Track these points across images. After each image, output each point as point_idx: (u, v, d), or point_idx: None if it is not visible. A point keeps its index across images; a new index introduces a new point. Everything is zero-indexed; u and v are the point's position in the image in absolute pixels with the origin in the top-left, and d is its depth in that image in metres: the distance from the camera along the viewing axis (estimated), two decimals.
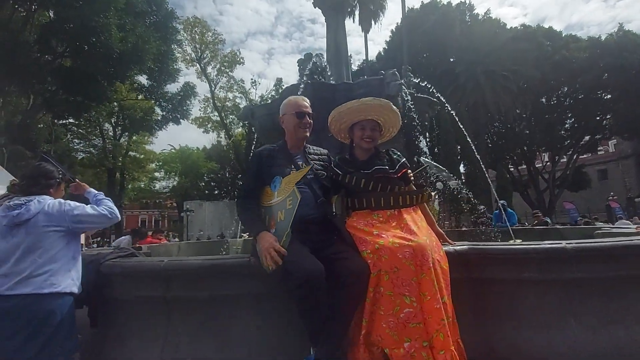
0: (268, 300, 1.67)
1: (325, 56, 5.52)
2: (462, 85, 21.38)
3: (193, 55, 30.07)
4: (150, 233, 6.75)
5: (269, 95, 35.15)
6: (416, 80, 4.90)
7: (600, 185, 38.47)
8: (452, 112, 4.83)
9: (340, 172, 1.86)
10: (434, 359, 1.37)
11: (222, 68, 33.10)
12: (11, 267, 1.59)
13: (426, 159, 4.52)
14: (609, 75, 21.67)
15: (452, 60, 23.36)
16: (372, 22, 23.10)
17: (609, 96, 23.47)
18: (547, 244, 1.66)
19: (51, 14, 11.77)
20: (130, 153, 31.41)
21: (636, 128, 24.09)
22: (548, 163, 28.18)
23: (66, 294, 1.65)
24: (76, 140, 25.82)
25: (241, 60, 33.80)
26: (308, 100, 1.94)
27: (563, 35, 24.11)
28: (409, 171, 1.93)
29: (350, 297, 1.50)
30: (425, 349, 1.38)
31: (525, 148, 26.68)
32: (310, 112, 1.91)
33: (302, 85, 3.83)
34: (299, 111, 1.86)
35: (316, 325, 1.51)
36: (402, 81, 3.91)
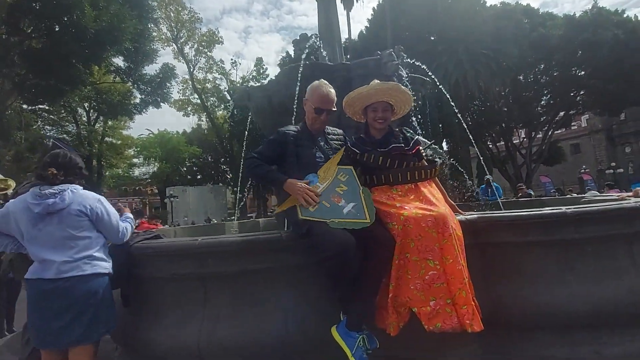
0: (299, 272, 1.80)
1: (318, 36, 5.50)
2: (444, 64, 21.56)
3: (169, 34, 28.85)
4: (145, 218, 6.72)
5: (250, 76, 34.32)
6: (409, 60, 4.99)
7: (573, 158, 40.30)
8: (444, 91, 4.96)
9: (358, 151, 1.97)
10: (457, 313, 1.53)
11: (200, 48, 31.95)
12: (51, 253, 1.64)
13: (421, 137, 4.68)
14: (583, 52, 22.29)
15: (433, 38, 23.42)
16: (355, 0, 22.72)
17: (582, 73, 24.22)
18: (549, 210, 1.85)
19: None
20: (107, 139, 30.33)
21: (607, 103, 25.11)
22: (525, 139, 29.13)
23: (104, 274, 1.74)
24: (48, 127, 24.67)
25: (220, 39, 32.68)
26: (334, 92, 1.97)
27: (540, 12, 24.49)
28: (421, 148, 2.06)
29: (378, 266, 1.64)
30: (449, 305, 1.55)
31: (503, 125, 27.42)
32: (332, 108, 1.97)
33: (301, 67, 3.85)
34: (318, 107, 1.93)
35: (347, 292, 1.65)
36: (399, 61, 3.99)
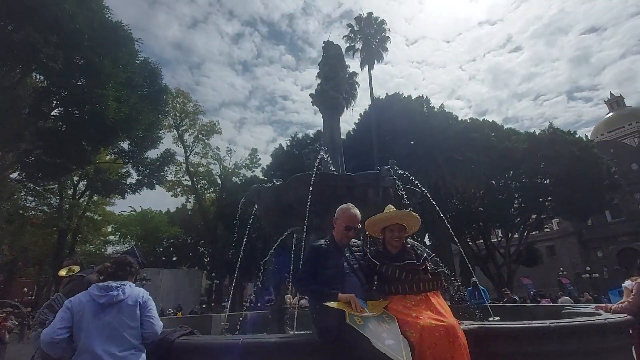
0: None
1: (321, 145, 6.35)
2: (424, 167, 23.61)
3: (172, 122, 30.97)
4: None
5: (244, 164, 36.07)
6: (401, 172, 5.77)
7: (550, 260, 41.38)
8: (429, 196, 5.62)
9: (378, 263, 2.39)
10: None
11: (200, 136, 34.03)
12: (103, 345, 1.87)
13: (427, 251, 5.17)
14: (545, 164, 25.07)
15: (413, 143, 26.03)
16: (345, 108, 25.73)
17: (547, 181, 26.75)
18: (536, 323, 2.23)
19: (43, 80, 12.15)
20: (88, 214, 29.76)
21: (573, 210, 27.17)
22: (502, 238, 30.32)
23: None
24: (30, 198, 24.32)
25: (219, 130, 35.10)
26: (359, 214, 2.49)
27: (505, 128, 28.03)
28: (428, 264, 2.50)
29: None
30: None
31: (481, 224, 28.79)
32: (358, 226, 2.48)
33: (313, 176, 4.47)
34: (348, 225, 2.44)
35: None
36: (395, 177, 4.70)
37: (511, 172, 27.47)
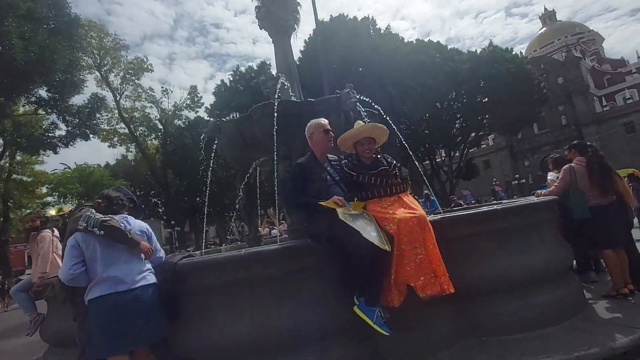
0: (323, 269, 2.33)
1: (275, 72, 6.15)
2: (374, 94, 23.79)
3: (90, 61, 27.18)
4: None
5: (184, 104, 33.60)
6: (358, 96, 5.87)
7: (485, 172, 46.10)
8: (389, 120, 5.86)
9: (354, 173, 2.60)
10: (439, 282, 2.19)
11: (128, 76, 30.51)
12: (122, 269, 1.97)
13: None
14: (484, 83, 26.45)
15: (361, 69, 25.77)
16: (295, 31, 24.29)
17: (485, 100, 28.53)
18: (486, 208, 2.66)
19: None
20: (15, 176, 26.87)
21: (506, 125, 29.74)
22: (446, 158, 32.89)
23: (156, 284, 2.10)
24: None
25: (150, 67, 31.61)
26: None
27: (449, 48, 28.52)
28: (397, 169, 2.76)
29: (383, 264, 2.24)
30: (433, 278, 2.20)
31: (427, 146, 30.74)
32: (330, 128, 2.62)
33: (275, 104, 4.40)
34: (326, 129, 2.57)
35: (365, 280, 2.21)
36: (355, 99, 4.79)
37: (454, 93, 28.74)
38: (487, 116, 29.53)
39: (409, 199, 2.56)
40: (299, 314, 2.14)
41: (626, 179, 4.55)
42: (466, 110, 28.69)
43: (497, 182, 32.88)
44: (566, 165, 3.36)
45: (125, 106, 30.60)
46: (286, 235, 5.66)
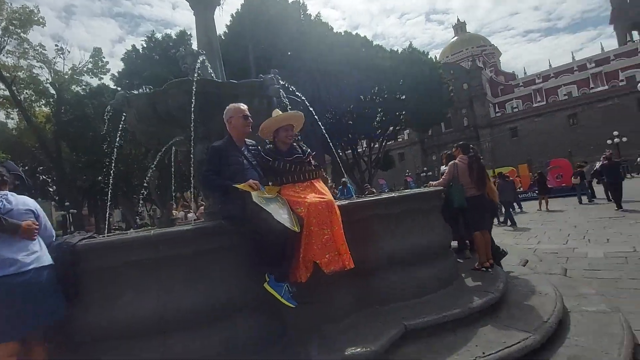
0: (235, 249, 2.42)
1: (198, 47, 5.82)
2: (302, 81, 23.93)
3: None
4: None
5: (85, 68, 29.35)
6: (282, 82, 5.92)
7: (400, 164, 50.32)
8: (311, 110, 6.06)
9: (270, 159, 2.72)
10: (342, 259, 2.47)
11: (11, 27, 25.51)
12: (9, 251, 1.79)
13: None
14: (404, 81, 28.59)
15: (290, 54, 25.60)
16: (219, 3, 22.84)
17: (403, 97, 30.87)
18: (384, 196, 3.03)
19: None
20: None
21: (420, 123, 32.68)
22: (366, 148, 34.95)
23: (51, 265, 1.97)
24: None
25: (40, 20, 26.83)
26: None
27: (374, 44, 29.99)
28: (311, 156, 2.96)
29: (292, 244, 2.43)
30: (336, 255, 2.47)
31: (350, 136, 32.23)
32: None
33: (194, 82, 4.22)
34: (245, 114, 2.62)
35: (276, 259, 2.37)
36: (280, 85, 4.85)
37: (376, 88, 30.45)
38: (403, 112, 32.06)
39: (320, 185, 2.78)
40: (210, 292, 2.22)
41: (495, 177, 5.52)
42: (386, 105, 30.73)
43: (409, 174, 36.29)
44: (451, 162, 3.99)
45: (6, 63, 25.54)
46: (203, 219, 5.54)
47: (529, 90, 52.81)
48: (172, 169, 6.34)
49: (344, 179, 8.54)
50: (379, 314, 2.83)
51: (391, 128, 32.75)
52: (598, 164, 12.67)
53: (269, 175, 2.77)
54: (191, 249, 2.21)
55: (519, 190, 17.73)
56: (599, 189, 14.19)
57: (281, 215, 2.30)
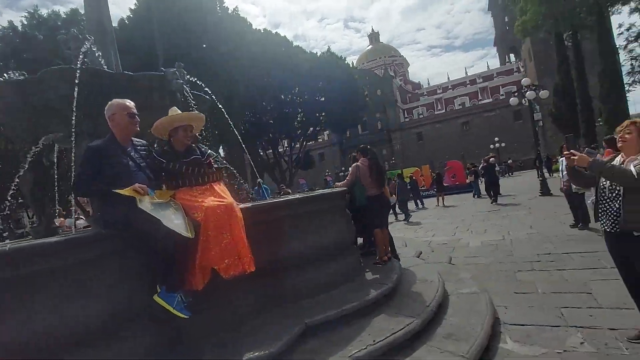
0: (118, 259, 2.19)
1: (85, 32, 5.14)
2: (218, 76, 22.92)
3: None
4: None
5: None
6: (189, 77, 5.57)
7: (320, 164, 51.76)
8: (222, 108, 5.81)
9: (164, 160, 2.53)
10: (242, 263, 2.43)
11: None
12: None
13: (210, 150, 5.41)
14: (322, 83, 29.46)
15: (205, 46, 24.26)
16: None
17: (323, 99, 31.81)
18: (291, 197, 3.08)
19: None
20: None
21: (338, 124, 34.05)
22: (287, 148, 35.12)
23: None
24: None
25: None
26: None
27: (294, 45, 30.28)
28: (211, 159, 2.85)
29: (186, 252, 2.30)
30: (236, 260, 2.42)
31: (270, 135, 32.02)
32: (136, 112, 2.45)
33: (78, 71, 3.71)
34: (131, 112, 2.39)
35: (166, 269, 2.22)
36: (183, 81, 4.54)
37: (297, 88, 30.81)
38: (323, 114, 33.07)
39: (220, 187, 2.69)
40: (89, 307, 1.97)
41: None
42: (307, 106, 31.31)
43: (329, 173, 37.52)
44: (354, 164, 4.26)
45: None
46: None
47: (432, 99, 59.37)
48: (55, 169, 5.50)
49: (259, 180, 8.45)
50: (287, 313, 2.86)
51: (311, 129, 33.46)
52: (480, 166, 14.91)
53: (161, 178, 2.59)
54: (62, 263, 1.94)
55: (422, 188, 19.73)
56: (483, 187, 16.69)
57: (173, 221, 2.17)
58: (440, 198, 14.78)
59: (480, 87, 56.42)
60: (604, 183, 2.39)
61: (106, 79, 4.17)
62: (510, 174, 32.92)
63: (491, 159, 13.66)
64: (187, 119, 2.70)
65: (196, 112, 2.78)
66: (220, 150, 24.65)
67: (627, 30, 23.31)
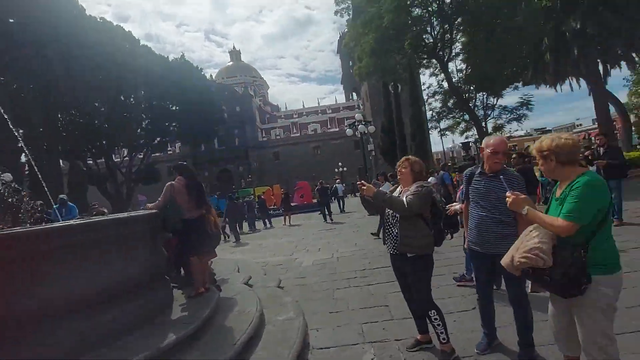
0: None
1: None
2: (28, 60, 18.13)
3: None
4: None
5: None
6: None
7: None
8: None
9: None
10: None
11: None
12: None
13: None
14: (174, 90, 27.06)
15: (12, 21, 18.90)
16: None
17: (175, 108, 29.21)
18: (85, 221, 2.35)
19: None
20: None
21: (191, 136, 31.74)
22: (126, 157, 30.40)
23: None
24: None
25: None
26: None
27: (142, 44, 26.98)
28: None
29: None
30: None
31: (104, 142, 27.07)
32: None
33: None
34: None
35: None
36: None
37: (143, 91, 27.34)
38: (174, 124, 30.27)
39: None
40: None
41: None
42: (154, 112, 28.03)
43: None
44: (168, 183, 3.74)
45: None
46: None
47: (289, 122, 63.03)
48: None
49: (62, 196, 6.70)
50: None
51: (159, 138, 30.13)
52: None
53: None
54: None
55: (272, 207, 20.11)
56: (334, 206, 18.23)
57: None
58: (287, 217, 15.28)
59: (329, 117, 63.29)
60: (388, 211, 2.69)
61: None
62: (355, 194, 37.50)
63: (337, 181, 15.10)
64: None
65: None
66: (22, 158, 19.10)
67: (428, 88, 30.90)
